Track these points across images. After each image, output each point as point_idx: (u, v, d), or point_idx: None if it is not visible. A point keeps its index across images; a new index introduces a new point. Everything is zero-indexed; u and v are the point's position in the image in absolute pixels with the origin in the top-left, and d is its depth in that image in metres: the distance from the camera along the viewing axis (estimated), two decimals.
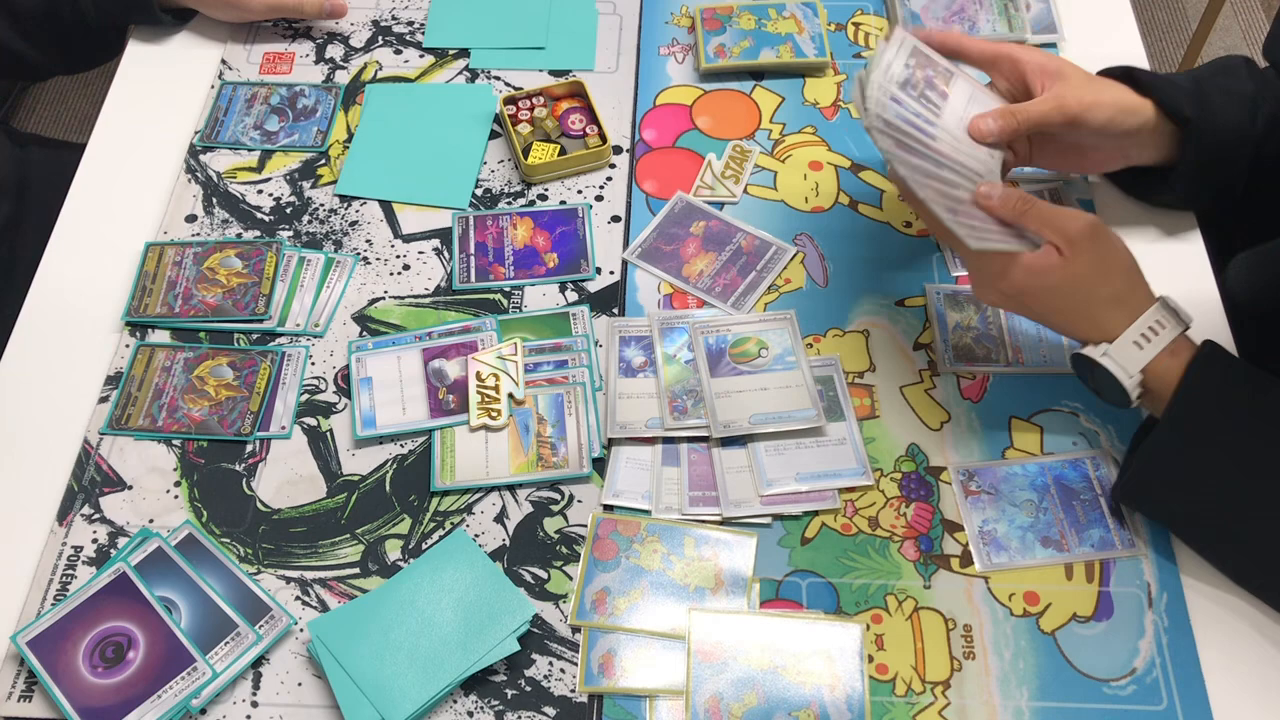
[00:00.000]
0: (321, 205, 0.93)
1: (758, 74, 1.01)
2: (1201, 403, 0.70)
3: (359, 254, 0.90)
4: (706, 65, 1.00)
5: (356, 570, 0.75)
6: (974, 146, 0.76)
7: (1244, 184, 0.83)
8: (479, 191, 0.94)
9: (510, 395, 0.81)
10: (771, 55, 1.00)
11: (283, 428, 0.81)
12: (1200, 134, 0.80)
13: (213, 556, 0.75)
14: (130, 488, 0.79)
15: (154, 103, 1.00)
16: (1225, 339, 0.83)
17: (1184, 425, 0.70)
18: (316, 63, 1.03)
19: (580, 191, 0.94)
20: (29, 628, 0.71)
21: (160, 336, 0.86)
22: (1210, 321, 0.84)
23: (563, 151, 0.94)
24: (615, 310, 0.87)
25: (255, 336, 0.86)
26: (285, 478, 0.79)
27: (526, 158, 0.94)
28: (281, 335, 0.86)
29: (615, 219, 0.92)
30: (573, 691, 0.70)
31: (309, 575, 0.75)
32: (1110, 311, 0.73)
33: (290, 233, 0.92)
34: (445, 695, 0.69)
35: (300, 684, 0.71)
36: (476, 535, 0.76)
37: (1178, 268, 0.87)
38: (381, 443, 0.81)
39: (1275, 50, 0.84)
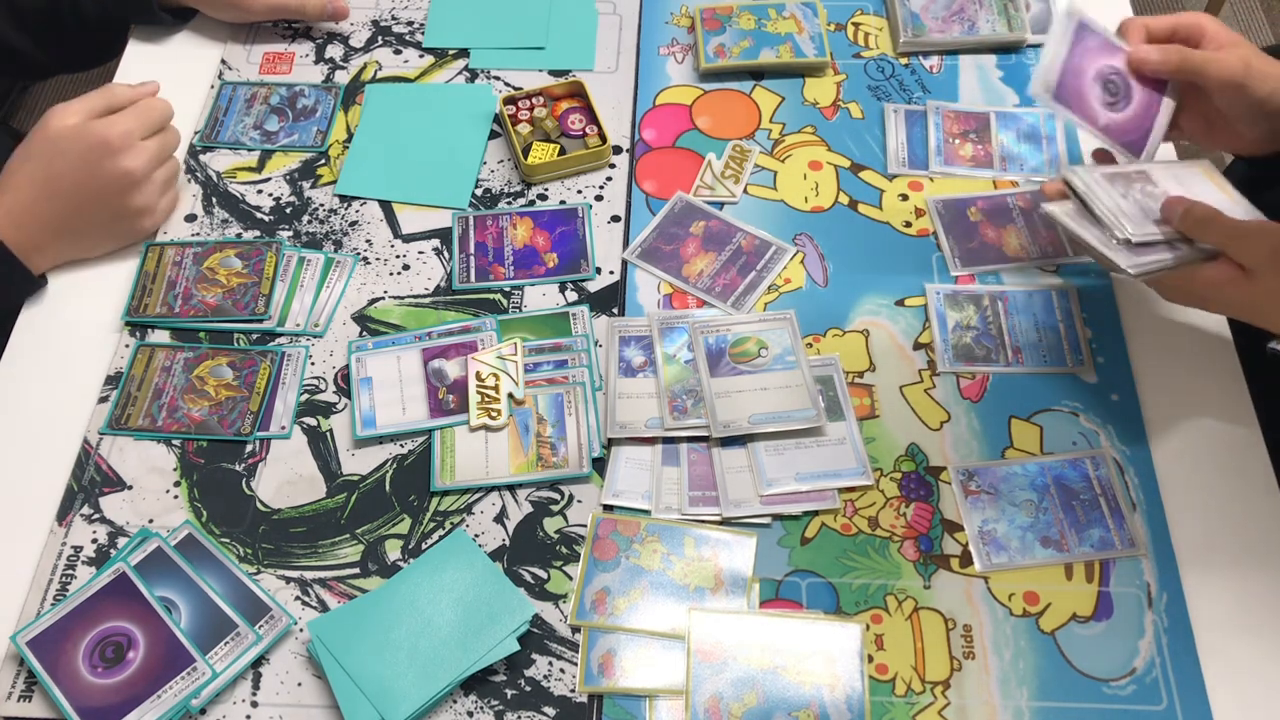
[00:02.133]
0: (321, 205, 0.93)
1: (757, 74, 1.01)
2: None
3: (359, 254, 0.90)
4: (706, 65, 1.00)
5: (356, 570, 0.75)
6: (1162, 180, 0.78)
7: None
8: (479, 191, 0.94)
9: (510, 395, 0.81)
10: (771, 55, 1.00)
11: (282, 428, 0.81)
12: None
13: (212, 556, 0.75)
14: (130, 488, 0.79)
15: None
16: (1222, 332, 0.83)
17: None
18: (316, 63, 1.03)
19: (580, 191, 0.94)
20: (29, 628, 0.71)
21: (160, 336, 0.86)
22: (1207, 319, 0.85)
23: (562, 151, 0.94)
24: (615, 310, 0.87)
25: (255, 336, 0.86)
26: (285, 478, 0.79)
27: (526, 158, 0.94)
28: (281, 335, 0.86)
29: (615, 219, 0.92)
30: (573, 691, 0.70)
31: (309, 575, 0.75)
32: None
33: (290, 233, 0.92)
34: (445, 695, 0.69)
35: (300, 684, 0.71)
36: (476, 535, 0.76)
37: None
38: (381, 443, 0.81)
39: None
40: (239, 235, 0.91)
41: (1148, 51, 0.79)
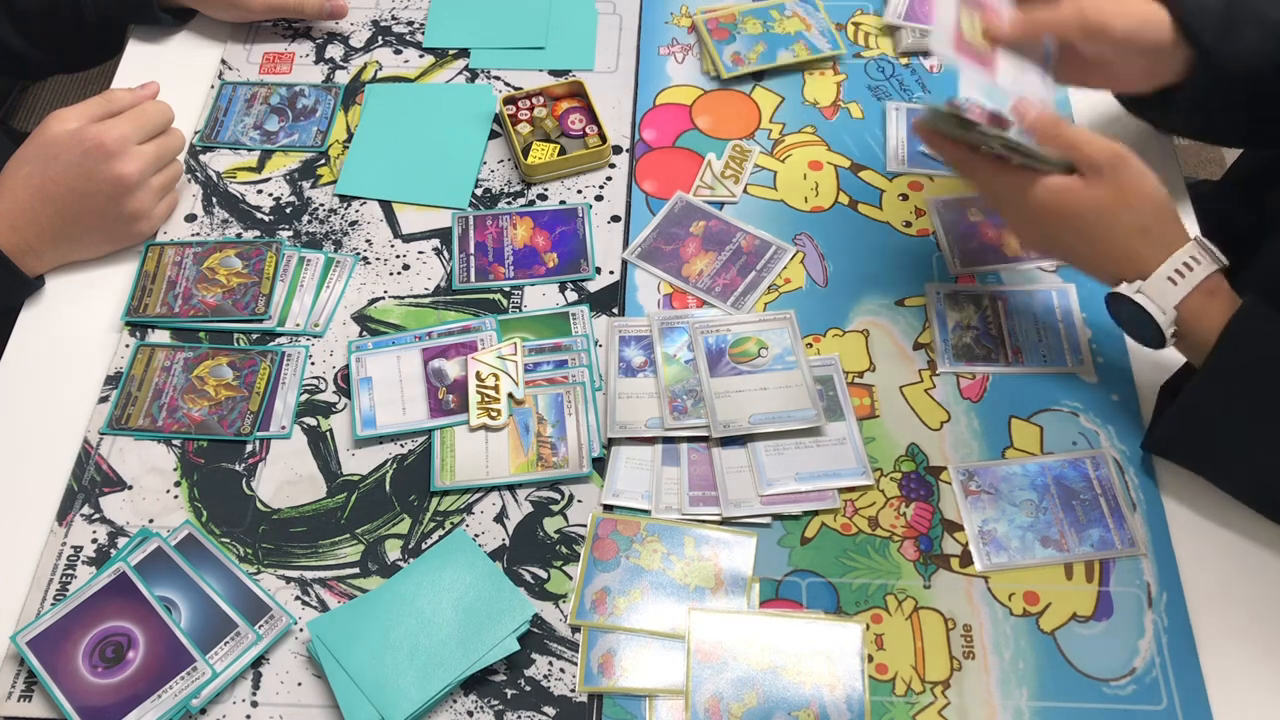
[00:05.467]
0: (321, 205, 0.93)
1: (758, 74, 1.01)
2: (1245, 353, 0.69)
3: (359, 254, 0.90)
4: (728, 75, 0.99)
5: (356, 570, 0.75)
6: (1024, 82, 0.78)
7: (1249, 129, 0.82)
8: (479, 191, 0.94)
9: (510, 395, 0.81)
10: (789, 56, 1.00)
11: (283, 428, 0.81)
12: (1213, 67, 0.77)
13: (213, 556, 0.75)
14: (130, 488, 0.79)
15: None
16: None
17: (1225, 377, 0.70)
18: (316, 63, 1.03)
19: (580, 191, 0.94)
20: (29, 628, 0.71)
21: (160, 336, 0.86)
22: None
23: (562, 151, 0.94)
24: (615, 310, 0.87)
25: (255, 336, 0.86)
26: (285, 478, 0.79)
27: (526, 158, 0.94)
28: (281, 335, 0.86)
29: (615, 219, 0.92)
30: (572, 691, 0.70)
31: (309, 575, 0.75)
32: (1138, 243, 0.72)
33: (290, 233, 0.92)
34: (445, 695, 0.69)
35: (300, 684, 0.71)
36: (476, 535, 0.76)
37: None
38: (381, 443, 0.81)
39: None
40: (239, 235, 0.91)
41: (1002, 29, 0.78)
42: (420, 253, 0.90)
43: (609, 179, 0.94)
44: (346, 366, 0.84)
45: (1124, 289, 0.72)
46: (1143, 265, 0.72)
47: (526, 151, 0.94)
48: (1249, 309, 0.70)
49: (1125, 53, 0.78)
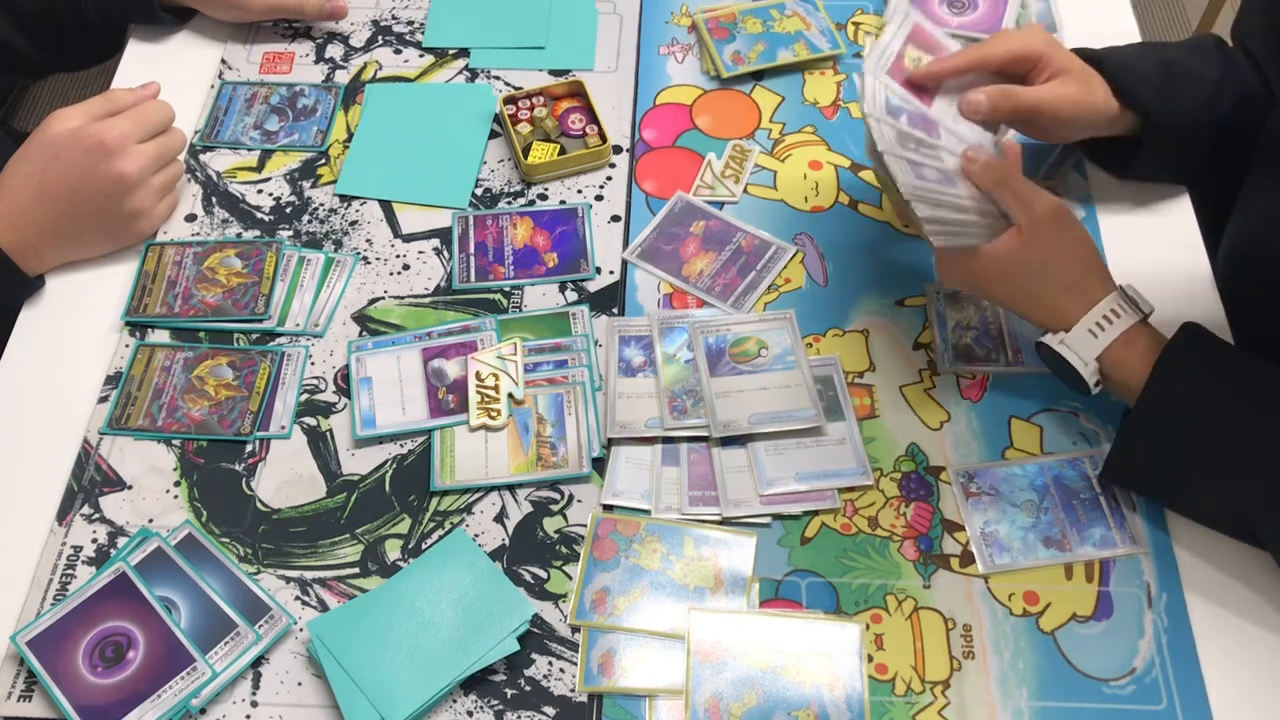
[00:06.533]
0: (321, 205, 0.93)
1: (758, 73, 1.01)
2: (1170, 395, 0.71)
3: (359, 253, 0.90)
4: (729, 74, 0.99)
5: (356, 570, 0.75)
6: (967, 126, 0.79)
7: (1207, 163, 0.86)
8: (479, 191, 0.94)
9: (510, 395, 0.81)
10: (789, 55, 1.00)
11: (282, 428, 0.81)
12: (1161, 126, 0.82)
13: (212, 556, 0.75)
14: (130, 487, 0.79)
15: None
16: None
17: (1155, 418, 0.71)
18: (316, 62, 1.03)
19: (580, 191, 0.94)
20: (29, 627, 0.71)
21: (160, 336, 0.86)
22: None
23: (563, 151, 0.94)
24: (615, 310, 0.87)
25: (255, 336, 0.86)
26: (285, 478, 0.79)
27: (526, 157, 0.94)
28: (281, 335, 0.86)
29: (615, 219, 0.92)
30: (572, 691, 0.70)
31: (309, 575, 0.75)
32: (1064, 298, 0.74)
33: (290, 232, 0.92)
34: (445, 695, 0.69)
35: (300, 684, 0.71)
36: (476, 535, 0.76)
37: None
38: (381, 442, 0.81)
39: (1243, 30, 0.86)
40: (239, 235, 0.91)
41: (977, 100, 0.79)
42: (420, 253, 0.90)
43: (609, 179, 0.94)
44: (346, 366, 0.84)
45: (1049, 339, 0.74)
46: (1067, 317, 0.74)
47: (526, 151, 0.94)
48: (1172, 351, 0.71)
49: (1073, 126, 0.82)
